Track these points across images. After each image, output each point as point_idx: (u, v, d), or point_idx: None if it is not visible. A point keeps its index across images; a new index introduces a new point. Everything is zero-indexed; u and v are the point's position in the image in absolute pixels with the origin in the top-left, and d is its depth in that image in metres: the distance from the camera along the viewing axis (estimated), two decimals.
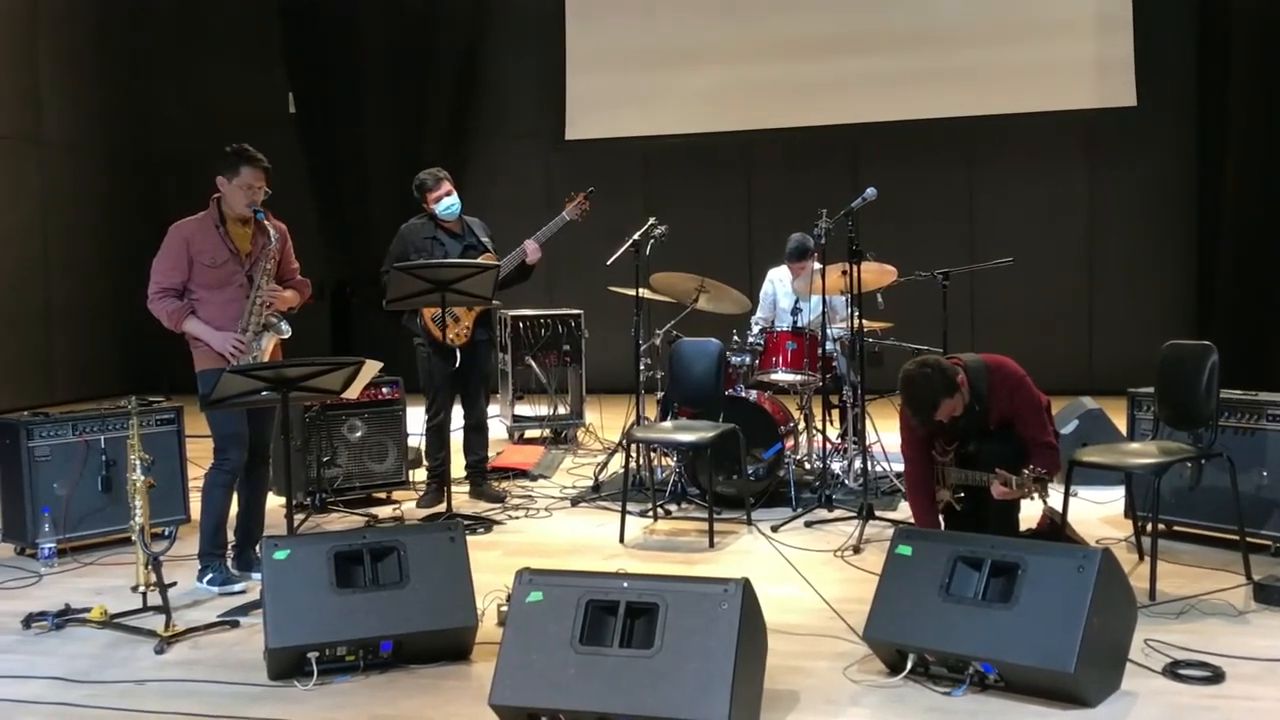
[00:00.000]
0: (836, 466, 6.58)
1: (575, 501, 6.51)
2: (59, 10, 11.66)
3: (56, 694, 3.82)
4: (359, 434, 6.47)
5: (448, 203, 6.37)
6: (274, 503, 5.56)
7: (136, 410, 4.71)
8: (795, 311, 6.54)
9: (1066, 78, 10.49)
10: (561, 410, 8.68)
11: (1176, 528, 5.35)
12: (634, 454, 6.38)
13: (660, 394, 6.85)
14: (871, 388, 6.45)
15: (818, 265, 6.19)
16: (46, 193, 11.44)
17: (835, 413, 6.80)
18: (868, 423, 6.39)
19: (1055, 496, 5.12)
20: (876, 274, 6.38)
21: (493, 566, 4.97)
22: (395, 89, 11.80)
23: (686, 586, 3.46)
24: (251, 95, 12.10)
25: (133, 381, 11.27)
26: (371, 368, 4.67)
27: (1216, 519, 5.12)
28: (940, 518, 4.93)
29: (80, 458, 5.58)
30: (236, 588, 4.89)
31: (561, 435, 8.60)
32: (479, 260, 5.98)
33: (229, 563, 5.04)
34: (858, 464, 6.33)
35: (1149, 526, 4.74)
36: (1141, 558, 4.99)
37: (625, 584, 3.50)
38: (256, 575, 4.69)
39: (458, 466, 6.63)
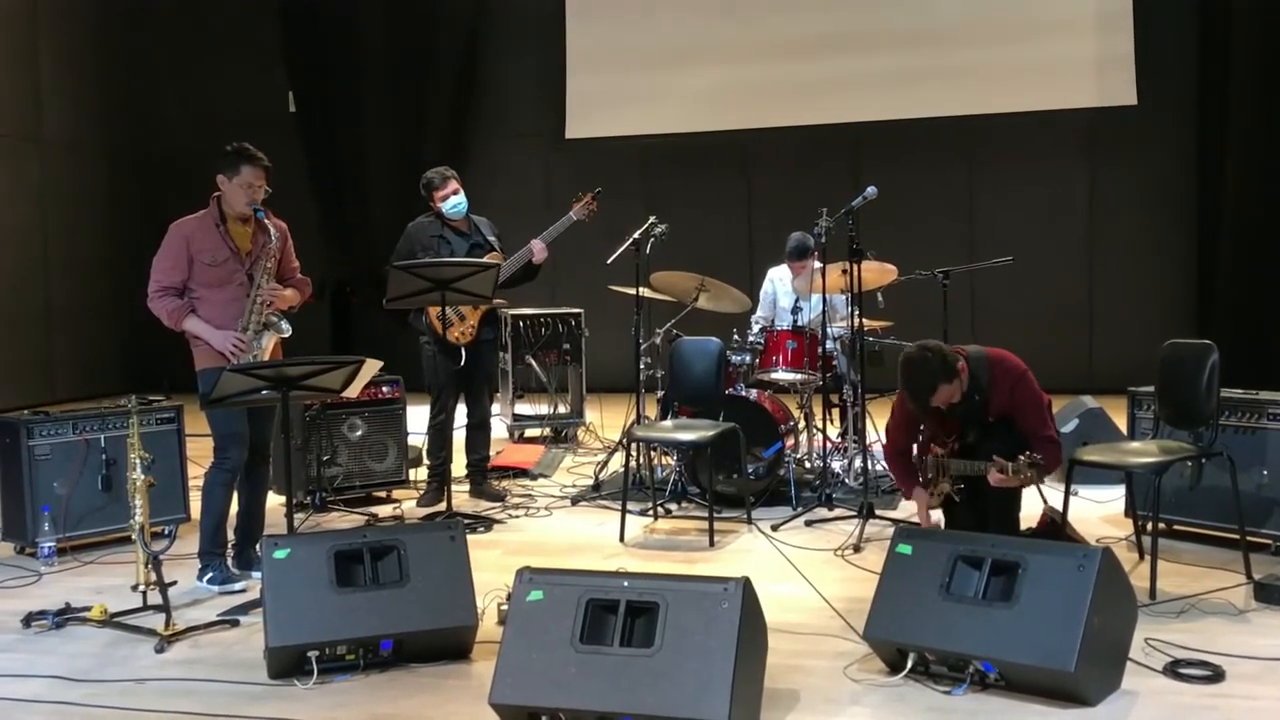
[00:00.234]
0: (837, 465, 6.58)
1: (575, 500, 6.51)
2: (59, 10, 11.66)
3: (56, 693, 3.82)
4: (359, 433, 6.47)
5: (454, 201, 6.37)
6: (274, 501, 5.56)
7: (136, 409, 4.72)
8: (795, 310, 6.55)
9: (1067, 77, 10.49)
10: (562, 409, 8.68)
11: (1177, 527, 5.34)
12: (634, 453, 6.38)
13: (660, 393, 6.85)
14: (872, 387, 6.45)
15: (818, 264, 6.19)
16: (46, 192, 11.45)
17: (835, 412, 6.80)
18: (868, 422, 6.39)
19: (1055, 495, 5.13)
20: (877, 273, 6.38)
21: (493, 565, 4.97)
22: (395, 88, 11.81)
23: (687, 585, 3.46)
24: (252, 95, 12.11)
25: (133, 380, 11.28)
26: (371, 366, 4.67)
27: (1217, 518, 5.12)
28: (940, 513, 4.95)
29: (80, 457, 5.58)
30: (236, 587, 4.89)
31: (562, 434, 8.60)
32: (485, 259, 5.96)
33: (229, 562, 5.04)
34: (858, 463, 6.34)
35: (1149, 525, 4.73)
36: (1142, 557, 4.99)
37: (625, 583, 3.50)
38: (256, 574, 4.69)
39: (459, 465, 6.63)
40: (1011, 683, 3.55)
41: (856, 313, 5.89)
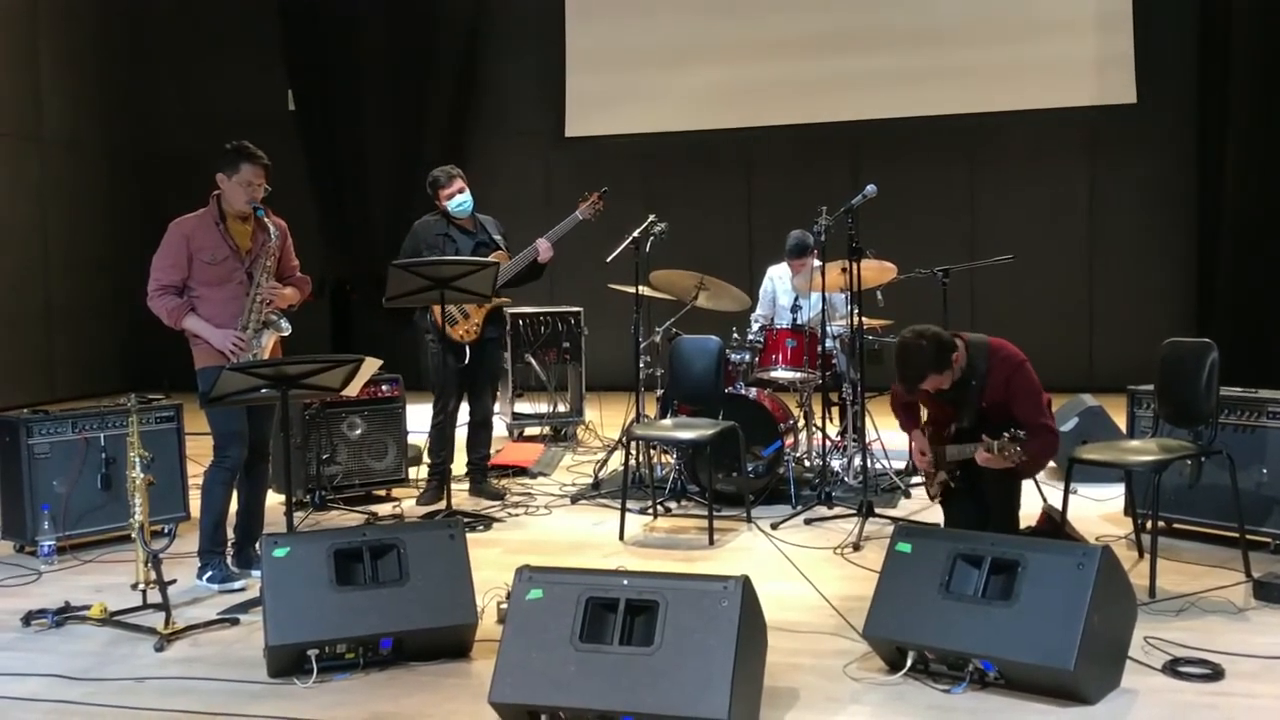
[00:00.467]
0: (836, 464, 6.58)
1: (575, 499, 6.51)
2: (59, 9, 11.66)
3: (56, 691, 3.82)
4: (359, 431, 6.47)
5: (460, 200, 6.37)
6: (274, 500, 5.56)
7: (136, 408, 4.71)
8: (795, 309, 6.54)
9: (1067, 75, 10.49)
10: (561, 408, 8.68)
11: (1176, 525, 5.34)
12: (634, 451, 6.38)
13: (660, 391, 6.85)
14: (871, 385, 6.45)
15: (817, 262, 6.19)
16: (46, 191, 11.45)
17: (835, 410, 6.80)
18: (867, 420, 6.39)
19: (1055, 494, 5.13)
20: (876, 271, 6.39)
21: (493, 564, 4.97)
22: (395, 87, 11.81)
23: (686, 584, 3.45)
24: (251, 93, 12.11)
25: (133, 379, 11.28)
26: (371, 365, 4.67)
27: (1216, 516, 5.12)
28: (941, 508, 4.97)
29: (80, 455, 5.58)
30: (236, 585, 4.89)
31: (561, 433, 8.60)
32: (489, 258, 5.96)
33: (229, 560, 5.04)
34: (857, 461, 6.34)
35: (1149, 524, 4.73)
36: (1141, 555, 4.99)
37: (625, 581, 3.50)
38: (256, 573, 4.69)
39: (460, 464, 6.63)
40: (1011, 681, 3.55)
41: (856, 311, 5.89)
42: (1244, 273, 9.78)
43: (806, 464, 6.57)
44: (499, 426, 8.25)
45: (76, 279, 11.72)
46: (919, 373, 4.58)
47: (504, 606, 4.02)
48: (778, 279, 7.39)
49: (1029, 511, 5.27)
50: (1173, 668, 3.71)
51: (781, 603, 4.44)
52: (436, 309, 6.10)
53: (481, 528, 5.88)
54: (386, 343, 9.88)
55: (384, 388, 6.57)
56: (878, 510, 5.71)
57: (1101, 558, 3.51)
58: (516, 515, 6.22)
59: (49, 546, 5.35)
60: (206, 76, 12.41)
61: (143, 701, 3.72)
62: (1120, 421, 6.13)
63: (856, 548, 5.28)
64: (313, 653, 3.82)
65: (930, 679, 3.67)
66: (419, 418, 6.86)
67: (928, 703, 3.54)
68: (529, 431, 8.68)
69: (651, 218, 6.55)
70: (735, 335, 6.69)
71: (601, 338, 9.01)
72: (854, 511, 5.70)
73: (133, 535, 4.49)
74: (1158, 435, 5.13)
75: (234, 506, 5.07)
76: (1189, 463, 4.94)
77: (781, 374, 6.42)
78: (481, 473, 6.64)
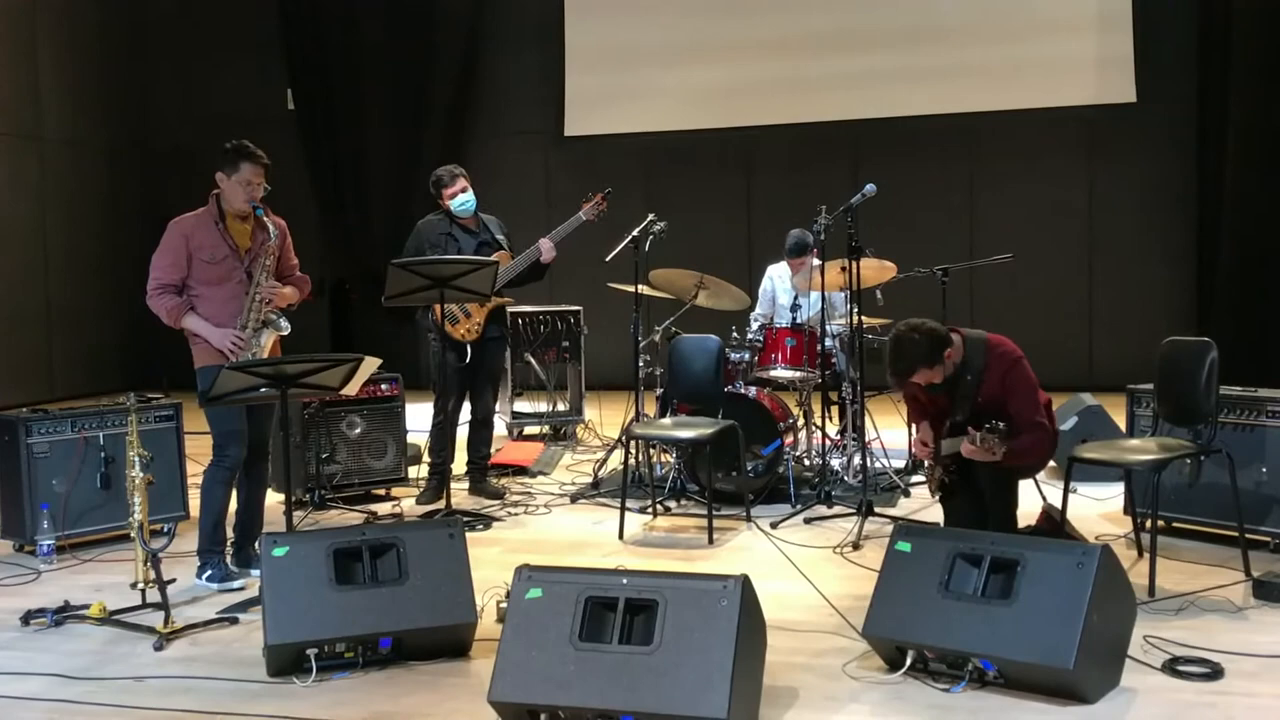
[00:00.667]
0: (836, 463, 6.58)
1: (574, 498, 6.51)
2: (59, 7, 11.65)
3: (55, 691, 3.82)
4: (358, 430, 6.47)
5: (463, 199, 6.37)
6: (273, 499, 5.56)
7: (135, 407, 4.71)
8: (794, 308, 6.54)
9: (1066, 74, 10.49)
10: (561, 407, 8.68)
11: (1176, 524, 5.34)
12: (633, 450, 6.38)
13: (660, 390, 6.85)
14: (871, 384, 6.45)
15: (817, 261, 6.19)
16: (46, 190, 11.44)
17: (834, 409, 6.80)
18: (867, 419, 6.39)
19: (1055, 493, 5.13)
20: (876, 270, 6.38)
21: (492, 563, 4.97)
22: (395, 86, 11.80)
23: (686, 583, 3.45)
24: (251, 92, 12.11)
25: (132, 378, 11.27)
26: (370, 364, 4.67)
27: (1216, 515, 5.12)
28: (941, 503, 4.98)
29: (79, 454, 5.58)
30: (235, 584, 4.89)
31: (561, 432, 8.60)
32: (492, 258, 5.96)
33: (228, 559, 5.04)
34: (857, 460, 6.34)
35: (1148, 523, 4.73)
36: (1141, 554, 4.99)
37: (624, 580, 3.50)
38: (255, 572, 4.68)
39: (461, 463, 6.63)
40: (1010, 680, 3.55)
41: (855, 310, 5.89)
42: (1243, 272, 9.77)
43: (806, 463, 6.57)
44: (498, 426, 8.26)
45: (76, 278, 11.72)
46: (909, 365, 4.59)
47: (503, 606, 4.02)
48: (777, 278, 7.39)
49: (1029, 510, 5.28)
50: (1172, 667, 3.71)
51: (781, 602, 4.44)
52: (437, 308, 6.10)
53: (481, 527, 5.88)
54: (386, 342, 9.87)
55: (383, 387, 6.57)
56: (877, 509, 5.71)
57: (1101, 557, 3.51)
58: (516, 514, 6.22)
59: (48, 546, 5.35)
60: (206, 75, 12.40)
61: (142, 700, 3.72)
62: (1120, 420, 6.13)
63: (856, 547, 5.28)
64: (312, 652, 3.81)
65: (930, 678, 3.67)
66: (418, 417, 6.86)
67: (927, 702, 3.54)
68: (528, 431, 8.68)
69: (651, 217, 6.55)
70: (735, 334, 6.69)
71: (601, 337, 9.01)
72: (853, 510, 5.70)
73: (132, 534, 4.49)
74: (1157, 434, 5.13)
75: (233, 506, 5.07)
76: (1188, 462, 4.94)
77: (781, 373, 6.42)
78: (481, 472, 6.64)
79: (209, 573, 4.93)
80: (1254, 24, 9.67)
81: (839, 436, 6.79)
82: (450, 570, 4.01)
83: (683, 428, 5.89)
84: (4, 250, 10.85)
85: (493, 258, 5.99)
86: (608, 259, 6.76)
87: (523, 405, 8.73)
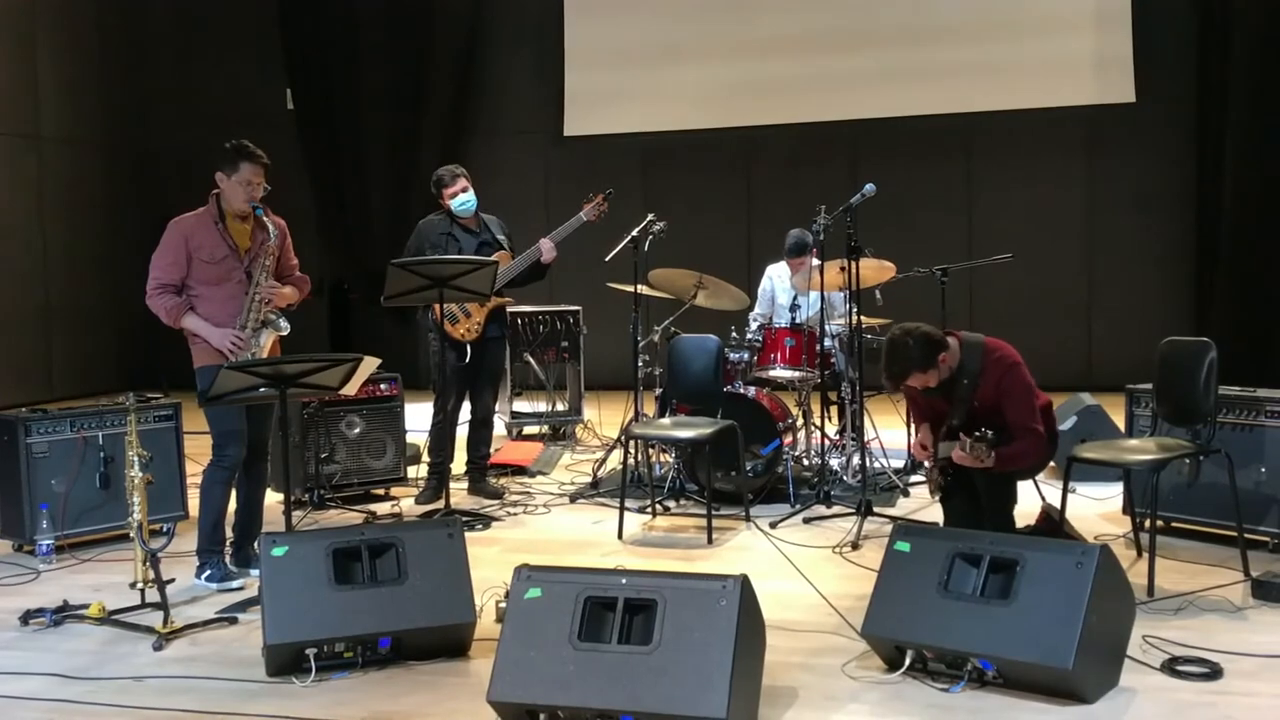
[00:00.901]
0: (835, 463, 6.58)
1: (574, 498, 6.51)
2: (58, 7, 11.65)
3: (54, 690, 3.82)
4: (357, 430, 6.47)
5: (463, 199, 6.37)
6: (272, 499, 5.56)
7: (134, 407, 4.71)
8: (794, 308, 6.55)
9: (1065, 74, 10.49)
10: (560, 406, 8.69)
11: (1175, 524, 5.34)
12: (633, 450, 6.38)
13: (659, 390, 6.85)
14: (870, 384, 6.45)
15: (816, 261, 6.19)
16: (45, 189, 11.44)
17: (834, 409, 6.80)
18: (866, 419, 6.39)
19: (1054, 493, 5.13)
20: (875, 270, 6.38)
21: (491, 563, 4.97)
22: (394, 85, 11.79)
23: (685, 583, 3.45)
24: (250, 92, 12.11)
25: (131, 378, 11.25)
26: (369, 364, 4.67)
27: (1215, 515, 5.12)
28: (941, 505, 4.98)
29: (78, 454, 5.58)
30: (235, 584, 4.89)
31: (560, 432, 8.60)
32: (492, 258, 5.96)
33: (227, 559, 5.04)
34: (856, 460, 6.34)
35: (1147, 523, 4.73)
36: (1140, 554, 4.99)
37: (624, 580, 3.50)
38: (255, 572, 4.68)
39: (460, 462, 6.62)
40: (1010, 680, 3.55)
41: (854, 310, 5.89)
42: (1242, 272, 9.78)
43: (805, 463, 6.57)
44: (498, 425, 8.26)
45: (75, 278, 11.71)
46: (903, 369, 4.60)
47: (503, 605, 4.02)
48: (776, 278, 7.39)
49: (1028, 510, 5.28)
50: (1171, 666, 3.72)
51: (780, 601, 4.44)
52: (437, 308, 6.10)
53: (480, 526, 5.88)
54: (385, 342, 9.87)
55: (382, 387, 6.57)
56: (876, 509, 5.71)
57: (1100, 557, 3.51)
58: (515, 514, 6.22)
59: (47, 545, 5.34)
60: (205, 75, 12.39)
61: (141, 700, 3.72)
62: (1119, 420, 6.13)
63: (855, 546, 5.28)
64: (311, 651, 3.82)
65: (929, 678, 3.67)
66: (417, 417, 6.85)
67: (926, 701, 3.54)
68: (527, 430, 8.68)
69: (650, 216, 6.55)
70: (734, 334, 6.69)
71: (600, 337, 9.00)
72: (853, 510, 5.70)
73: (131, 534, 4.48)
74: (1156, 434, 5.13)
75: (232, 505, 5.07)
76: (1187, 462, 4.95)
77: (780, 373, 6.42)
78: (480, 472, 6.64)
79: (208, 572, 4.93)
80: (1253, 24, 9.67)
81: (838, 436, 6.79)
82: (449, 570, 4.01)
83: (682, 427, 5.89)
84: (3, 249, 10.84)
85: (493, 258, 5.99)
86: (607, 259, 6.77)
87: (522, 405, 8.73)
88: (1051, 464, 5.05)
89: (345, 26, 11.88)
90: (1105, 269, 10.62)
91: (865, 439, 6.20)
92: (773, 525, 5.71)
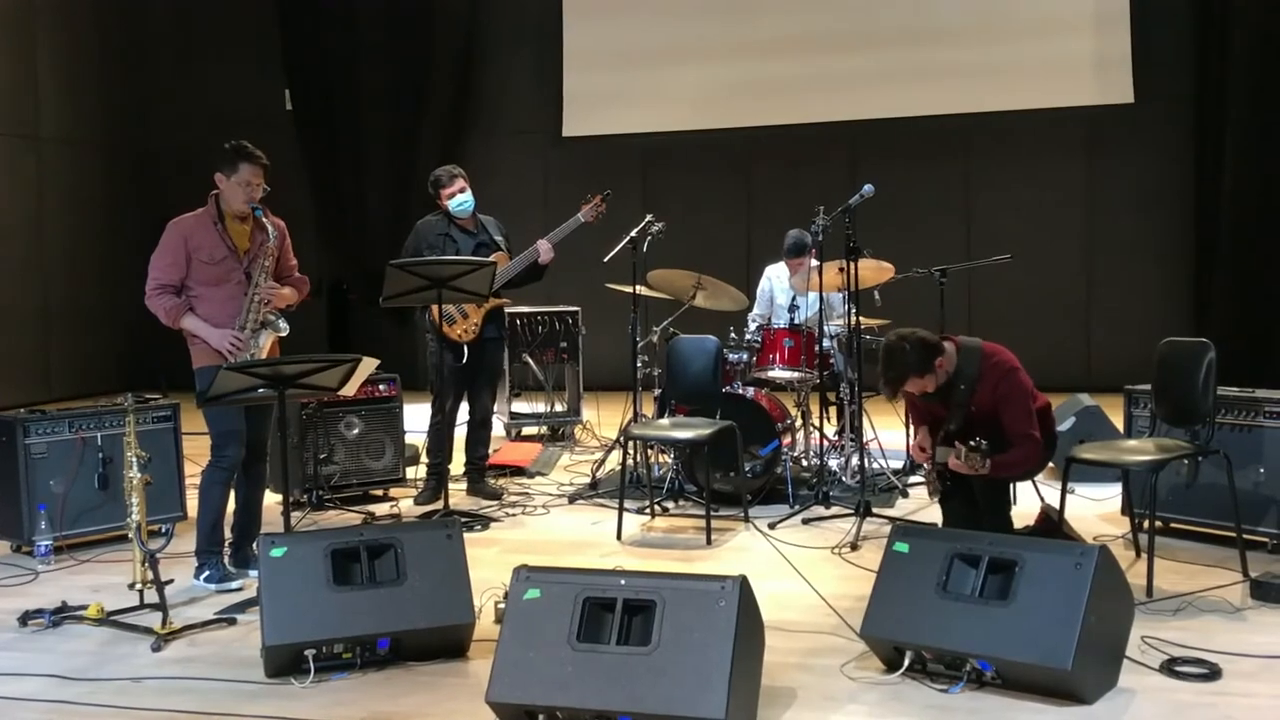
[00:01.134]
0: (834, 463, 6.57)
1: (573, 499, 6.51)
2: (56, 7, 11.64)
3: (53, 691, 3.82)
4: (356, 431, 6.47)
5: (461, 199, 6.37)
6: (271, 500, 5.56)
7: (133, 408, 4.71)
8: (792, 308, 6.54)
9: (1064, 75, 10.50)
10: (559, 407, 8.68)
11: (1174, 525, 5.34)
12: (631, 451, 6.38)
13: (657, 391, 6.85)
14: (869, 385, 6.44)
15: (815, 262, 6.19)
16: (44, 189, 11.43)
17: (832, 410, 6.80)
18: (865, 420, 6.39)
19: (1053, 493, 5.13)
20: (874, 271, 6.38)
21: (490, 563, 4.97)
22: (393, 85, 11.79)
23: (684, 583, 3.45)
24: (249, 92, 12.11)
25: (130, 379, 11.25)
26: (368, 365, 4.66)
27: (1214, 516, 5.12)
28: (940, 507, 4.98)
29: (77, 455, 5.57)
30: (233, 585, 4.89)
31: (559, 432, 8.60)
32: (489, 259, 5.96)
33: (226, 560, 5.03)
34: (855, 461, 6.34)
35: (1146, 523, 4.73)
36: (1139, 555, 4.99)
37: (623, 581, 3.50)
38: (253, 572, 4.69)
39: (459, 463, 6.62)
40: (1008, 681, 3.56)
41: (853, 311, 5.89)
42: (1241, 272, 9.79)
43: (804, 464, 6.57)
44: (496, 426, 8.26)
45: (74, 278, 11.70)
46: (900, 375, 4.59)
47: (501, 606, 4.02)
48: (775, 278, 7.39)
49: (1028, 510, 5.28)
50: (1170, 667, 3.72)
51: (779, 602, 4.45)
52: (434, 308, 6.10)
53: (479, 527, 5.87)
54: (384, 342, 9.88)
55: (381, 387, 6.57)
56: (875, 510, 5.71)
57: (1099, 557, 3.51)
58: (514, 515, 6.22)
59: (46, 546, 5.34)
60: (204, 75, 12.39)
61: (140, 701, 3.71)
62: (1117, 421, 6.13)
63: (854, 547, 5.28)
64: (310, 652, 3.81)
65: (928, 679, 3.67)
66: (416, 417, 6.85)
67: (925, 702, 3.54)
68: (526, 431, 8.68)
69: (649, 217, 6.56)
70: (733, 335, 6.69)
71: (599, 337, 9.00)
72: (851, 511, 5.70)
73: (130, 535, 4.48)
74: (1155, 435, 5.13)
75: (231, 506, 5.07)
76: (1186, 462, 4.94)
77: (779, 373, 6.42)
78: (479, 472, 6.64)
79: (207, 573, 4.93)
80: (1251, 24, 9.68)
81: (837, 437, 6.79)
82: (448, 571, 4.01)
83: (681, 428, 5.89)
84: (2, 250, 10.83)
85: (490, 259, 5.98)
86: (606, 259, 6.77)
87: (521, 406, 8.73)
88: (1050, 464, 5.05)
89: (344, 27, 11.88)
90: (1104, 269, 10.62)
91: (864, 440, 6.19)
92: (771, 526, 5.71)
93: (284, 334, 4.93)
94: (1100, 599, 3.47)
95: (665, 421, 6.24)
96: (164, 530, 5.25)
